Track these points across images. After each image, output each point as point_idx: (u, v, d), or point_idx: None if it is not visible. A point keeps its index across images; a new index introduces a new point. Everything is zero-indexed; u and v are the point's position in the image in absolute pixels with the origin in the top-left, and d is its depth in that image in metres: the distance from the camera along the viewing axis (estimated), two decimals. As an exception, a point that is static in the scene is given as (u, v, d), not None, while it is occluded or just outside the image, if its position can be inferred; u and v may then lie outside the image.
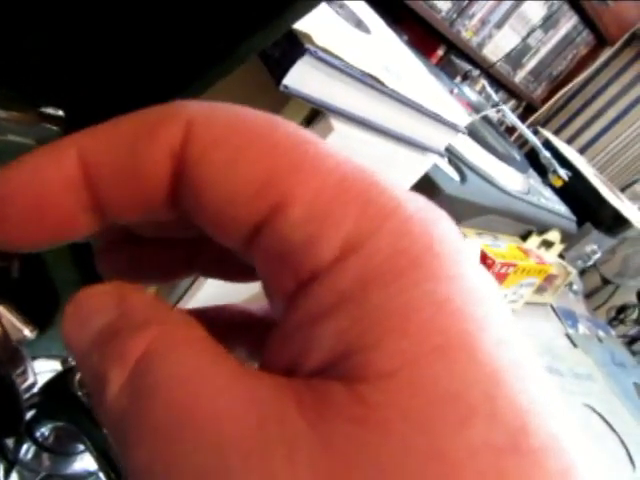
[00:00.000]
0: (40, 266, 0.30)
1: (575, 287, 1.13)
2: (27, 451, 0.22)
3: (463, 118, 0.49)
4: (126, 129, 0.10)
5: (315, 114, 0.39)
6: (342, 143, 0.40)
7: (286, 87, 0.34)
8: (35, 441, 0.22)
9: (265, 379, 0.08)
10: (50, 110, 0.31)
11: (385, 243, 0.08)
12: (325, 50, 0.34)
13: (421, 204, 0.09)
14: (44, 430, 0.22)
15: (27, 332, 0.15)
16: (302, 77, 0.34)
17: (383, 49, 0.48)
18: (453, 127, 0.47)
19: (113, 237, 0.13)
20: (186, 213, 0.10)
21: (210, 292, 0.40)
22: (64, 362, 0.25)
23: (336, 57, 0.34)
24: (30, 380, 0.15)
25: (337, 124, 0.38)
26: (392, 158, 0.46)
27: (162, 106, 0.10)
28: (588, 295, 1.25)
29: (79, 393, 0.21)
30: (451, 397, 0.08)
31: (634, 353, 1.14)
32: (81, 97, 0.31)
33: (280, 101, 0.37)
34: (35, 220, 0.10)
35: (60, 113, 0.31)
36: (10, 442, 0.22)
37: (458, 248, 0.09)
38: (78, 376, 0.22)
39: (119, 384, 0.09)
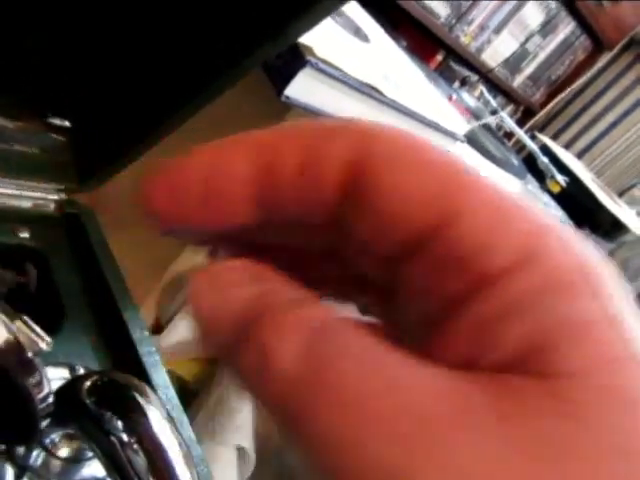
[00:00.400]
0: (45, 274, 0.30)
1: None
2: (37, 457, 0.23)
3: (462, 126, 0.50)
4: (305, 136, 0.11)
5: (316, 123, 0.39)
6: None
7: (287, 97, 0.34)
8: (45, 448, 0.23)
9: (443, 368, 0.09)
10: (56, 120, 0.32)
11: (554, 257, 0.09)
12: (325, 62, 0.34)
13: (565, 226, 0.10)
14: (54, 437, 0.23)
15: (43, 345, 0.16)
16: (303, 88, 0.34)
17: (382, 58, 0.49)
18: (452, 136, 0.47)
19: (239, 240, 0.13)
20: (346, 221, 0.10)
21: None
22: (72, 370, 0.25)
23: (336, 68, 0.35)
24: (45, 391, 0.16)
25: (338, 133, 0.39)
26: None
27: (337, 119, 0.11)
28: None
29: (87, 401, 0.22)
30: (635, 405, 0.08)
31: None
32: (87, 108, 0.32)
33: (281, 109, 0.38)
34: (209, 202, 0.10)
35: (66, 123, 0.32)
36: (20, 448, 0.22)
37: (606, 269, 0.10)
38: (87, 384, 0.22)
39: (293, 353, 0.09)
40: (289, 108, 0.38)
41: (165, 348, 0.57)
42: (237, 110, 0.40)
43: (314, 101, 0.37)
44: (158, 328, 0.65)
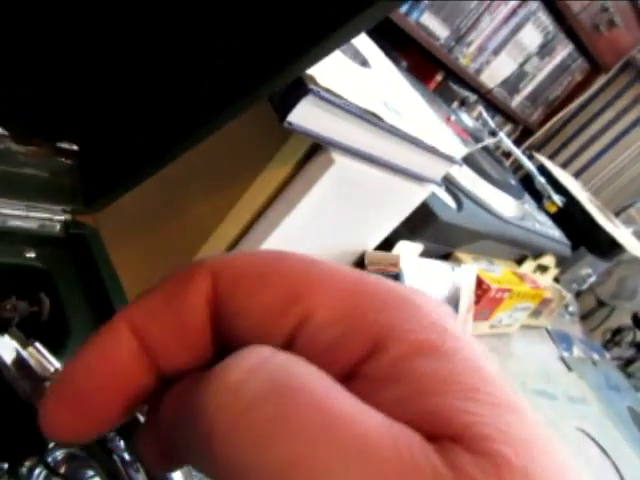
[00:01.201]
0: (50, 293, 0.31)
1: (571, 309, 1.14)
2: (38, 476, 0.23)
3: (459, 149, 0.51)
4: (162, 293, 0.12)
5: (317, 147, 0.40)
6: (343, 175, 0.41)
7: (290, 123, 0.35)
8: (47, 466, 0.23)
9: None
10: (65, 145, 0.33)
11: (408, 328, 0.10)
12: (327, 90, 0.35)
13: (410, 290, 0.11)
14: (56, 455, 0.23)
15: (52, 370, 0.16)
16: (305, 114, 0.35)
17: (382, 84, 0.50)
18: (449, 159, 0.48)
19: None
20: (227, 344, 0.12)
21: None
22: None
23: (338, 96, 0.36)
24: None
25: (338, 157, 0.40)
26: (391, 188, 0.48)
27: (184, 267, 0.12)
28: (584, 317, 1.26)
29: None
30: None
31: (629, 375, 1.15)
32: (95, 132, 0.33)
33: (283, 135, 0.39)
34: (109, 390, 0.11)
35: (74, 147, 0.33)
36: (23, 467, 0.23)
37: (445, 312, 0.11)
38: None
39: (243, 374, 0.09)
40: (291, 132, 0.39)
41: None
42: (241, 135, 0.41)
43: (316, 127, 0.38)
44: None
